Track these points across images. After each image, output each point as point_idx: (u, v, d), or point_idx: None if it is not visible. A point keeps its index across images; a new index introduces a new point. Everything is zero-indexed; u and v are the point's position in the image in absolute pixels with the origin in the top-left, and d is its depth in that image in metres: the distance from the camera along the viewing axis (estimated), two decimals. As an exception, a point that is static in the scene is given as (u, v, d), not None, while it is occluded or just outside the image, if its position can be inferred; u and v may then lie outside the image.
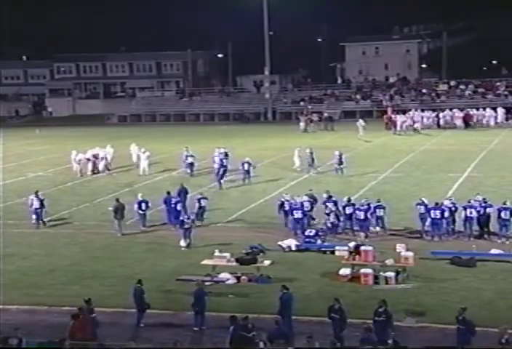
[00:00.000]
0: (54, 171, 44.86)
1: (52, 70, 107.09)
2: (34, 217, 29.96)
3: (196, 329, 18.62)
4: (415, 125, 59.32)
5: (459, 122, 62.19)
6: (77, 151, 43.35)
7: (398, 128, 58.71)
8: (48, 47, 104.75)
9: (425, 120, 62.11)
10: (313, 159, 40.68)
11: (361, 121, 58.45)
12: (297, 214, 27.21)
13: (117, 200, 29.52)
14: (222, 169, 38.24)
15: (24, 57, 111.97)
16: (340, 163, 39.69)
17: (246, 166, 38.50)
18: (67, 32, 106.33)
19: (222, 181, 37.64)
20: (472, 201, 26.68)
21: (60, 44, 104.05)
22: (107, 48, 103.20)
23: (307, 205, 27.81)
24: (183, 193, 31.25)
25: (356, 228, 27.09)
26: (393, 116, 60.86)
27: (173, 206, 29.20)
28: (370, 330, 15.78)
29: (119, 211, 28.79)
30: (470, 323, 16.06)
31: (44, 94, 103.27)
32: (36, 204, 30.00)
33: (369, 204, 27.16)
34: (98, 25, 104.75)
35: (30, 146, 59.18)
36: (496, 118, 62.57)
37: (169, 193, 30.21)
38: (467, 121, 61.69)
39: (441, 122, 62.49)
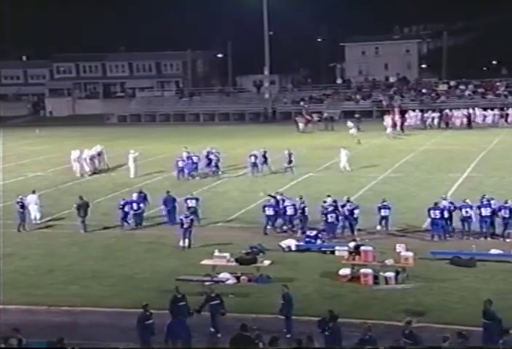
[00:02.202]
0: (53, 171, 44.85)
1: (51, 70, 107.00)
2: (19, 219, 29.77)
3: (212, 330, 18.51)
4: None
5: (458, 122, 62.39)
6: (75, 150, 43.30)
7: (398, 128, 58.83)
8: (48, 47, 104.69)
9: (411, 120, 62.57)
10: (266, 158, 40.95)
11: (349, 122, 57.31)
12: (269, 211, 27.52)
13: (80, 197, 29.70)
14: (194, 166, 40.44)
15: (24, 57, 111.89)
16: (290, 162, 40.04)
17: (253, 159, 39.86)
18: (66, 32, 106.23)
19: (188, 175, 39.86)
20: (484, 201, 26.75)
21: (59, 44, 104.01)
22: (106, 48, 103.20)
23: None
24: (143, 197, 30.64)
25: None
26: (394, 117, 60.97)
27: (120, 207, 29.22)
28: (370, 330, 15.75)
29: (82, 208, 29.05)
30: (417, 337, 15.67)
31: (44, 94, 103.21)
32: (17, 206, 29.84)
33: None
34: (98, 25, 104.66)
35: (29, 146, 59.17)
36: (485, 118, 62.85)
37: (168, 192, 30.19)
38: (469, 121, 61.99)
39: (428, 122, 62.80)
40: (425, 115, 63.75)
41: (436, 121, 63.06)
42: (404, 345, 15.48)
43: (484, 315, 16.73)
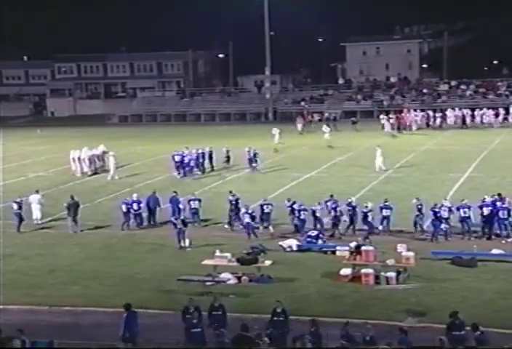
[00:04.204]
0: (55, 171, 44.87)
1: (52, 70, 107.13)
2: (16, 219, 29.73)
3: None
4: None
5: (450, 121, 62.42)
6: (74, 150, 43.39)
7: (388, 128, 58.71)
8: (49, 47, 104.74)
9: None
10: (228, 158, 41.86)
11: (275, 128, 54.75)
12: (247, 219, 27.37)
13: (71, 197, 29.77)
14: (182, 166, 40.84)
15: (25, 57, 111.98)
16: (255, 161, 40.91)
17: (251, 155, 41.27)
18: (67, 32, 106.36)
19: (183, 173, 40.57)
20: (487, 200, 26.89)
21: (60, 44, 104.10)
22: (107, 48, 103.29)
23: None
24: (153, 200, 30.40)
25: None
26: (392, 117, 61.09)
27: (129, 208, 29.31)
28: (370, 330, 15.73)
29: (72, 208, 29.17)
30: (354, 338, 15.73)
31: (45, 94, 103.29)
32: (15, 206, 29.79)
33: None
34: (99, 25, 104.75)
35: (31, 146, 59.19)
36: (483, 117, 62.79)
37: (175, 192, 30.23)
38: (463, 121, 62.02)
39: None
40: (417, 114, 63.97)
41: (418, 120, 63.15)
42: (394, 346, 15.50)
43: (454, 327, 16.26)
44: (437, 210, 26.11)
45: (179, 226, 26.31)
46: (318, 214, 27.38)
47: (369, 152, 48.84)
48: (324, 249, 25.31)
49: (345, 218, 27.48)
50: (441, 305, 19.80)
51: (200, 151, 42.11)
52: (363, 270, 22.10)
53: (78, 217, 29.43)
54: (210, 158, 42.43)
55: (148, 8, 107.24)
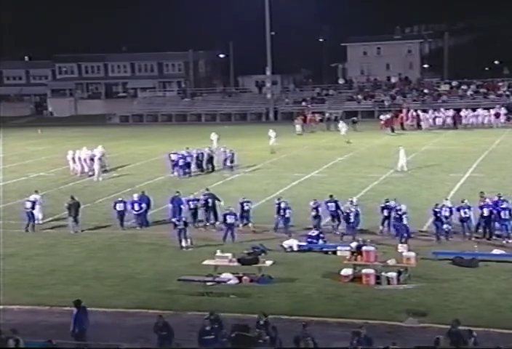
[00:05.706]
0: (55, 171, 44.87)
1: (53, 70, 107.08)
2: (26, 218, 29.71)
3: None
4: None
5: (430, 122, 62.56)
6: (73, 150, 43.42)
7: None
8: (49, 47, 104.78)
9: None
10: (211, 157, 42.06)
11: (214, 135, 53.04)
12: (230, 220, 26.98)
13: (72, 197, 29.78)
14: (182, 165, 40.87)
15: (26, 58, 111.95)
16: (231, 161, 41.21)
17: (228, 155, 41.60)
18: (68, 32, 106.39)
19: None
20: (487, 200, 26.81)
21: (61, 44, 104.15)
22: (108, 48, 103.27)
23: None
24: (146, 199, 30.49)
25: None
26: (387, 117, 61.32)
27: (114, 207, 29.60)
28: (358, 334, 15.61)
29: (73, 208, 29.19)
30: (313, 339, 15.73)
31: (46, 94, 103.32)
32: (28, 205, 29.79)
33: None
34: (99, 25, 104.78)
35: (31, 146, 59.19)
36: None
37: (178, 192, 30.25)
38: (454, 122, 61.95)
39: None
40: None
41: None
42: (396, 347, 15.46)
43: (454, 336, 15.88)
44: (438, 210, 26.10)
45: (180, 226, 26.31)
46: (351, 217, 26.53)
47: (369, 152, 48.95)
48: (325, 249, 25.31)
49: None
50: (442, 305, 19.80)
51: (199, 151, 42.17)
52: (364, 270, 22.10)
53: (79, 217, 29.49)
54: (210, 158, 42.49)
55: (148, 8, 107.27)
